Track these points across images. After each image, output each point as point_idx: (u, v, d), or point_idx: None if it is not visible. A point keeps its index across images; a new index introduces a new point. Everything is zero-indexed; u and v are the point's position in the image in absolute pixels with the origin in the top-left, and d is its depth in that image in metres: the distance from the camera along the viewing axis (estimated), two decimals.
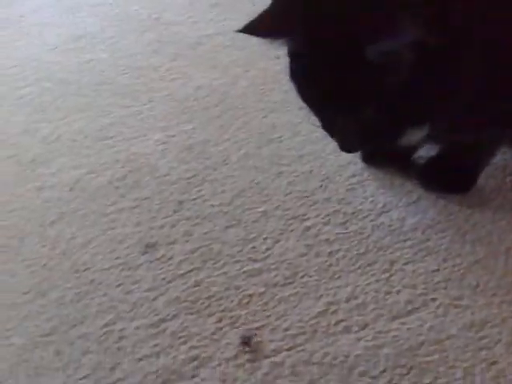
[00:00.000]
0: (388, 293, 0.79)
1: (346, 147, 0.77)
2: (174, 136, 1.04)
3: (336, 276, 0.82)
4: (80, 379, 0.72)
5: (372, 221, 0.88)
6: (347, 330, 0.75)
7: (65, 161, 1.02)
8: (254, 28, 0.71)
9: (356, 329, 0.75)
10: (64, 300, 0.80)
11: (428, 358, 0.72)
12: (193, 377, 0.71)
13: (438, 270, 0.81)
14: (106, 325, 0.77)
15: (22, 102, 1.13)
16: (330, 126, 0.77)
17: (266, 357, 0.73)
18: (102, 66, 1.22)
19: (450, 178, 0.91)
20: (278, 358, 0.72)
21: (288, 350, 0.73)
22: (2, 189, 0.97)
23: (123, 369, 0.72)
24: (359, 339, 0.74)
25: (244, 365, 0.72)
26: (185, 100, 1.12)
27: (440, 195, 0.90)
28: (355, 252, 0.84)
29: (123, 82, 1.18)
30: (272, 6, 0.72)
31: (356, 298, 0.79)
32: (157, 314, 0.78)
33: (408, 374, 0.70)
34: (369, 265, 0.83)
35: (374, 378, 0.70)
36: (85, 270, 0.84)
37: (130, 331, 0.76)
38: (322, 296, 0.79)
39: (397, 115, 0.71)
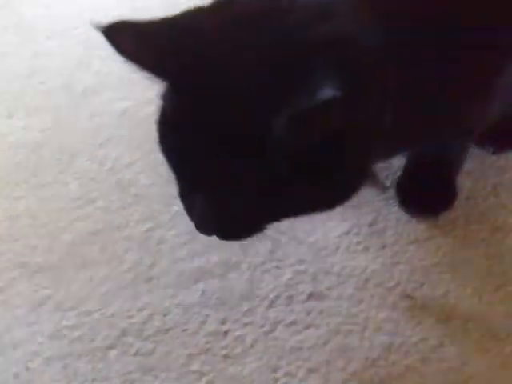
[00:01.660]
0: (408, 221, 0.84)
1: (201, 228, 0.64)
2: None
3: (361, 205, 0.87)
4: (122, 272, 0.80)
5: (399, 159, 0.93)
6: (366, 249, 0.81)
7: (114, 94, 1.08)
8: (117, 37, 0.59)
9: (375, 249, 0.81)
10: (110, 208, 0.88)
11: (441, 276, 0.77)
12: (222, 276, 0.78)
13: (459, 205, 0.85)
14: (147, 230, 0.85)
15: (78, 40, 1.19)
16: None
17: (291, 265, 0.79)
18: (153, 13, 1.27)
19: (428, 198, 0.84)
20: (301, 267, 0.79)
21: (311, 260, 0.79)
22: (56, 113, 1.04)
23: (161, 266, 0.80)
24: (377, 257, 0.80)
25: (270, 270, 0.78)
26: None
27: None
28: (379, 187, 0.89)
29: None
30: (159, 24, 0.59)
31: (377, 223, 0.84)
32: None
33: (420, 287, 0.76)
34: (391, 198, 0.87)
35: (388, 288, 0.76)
36: (129, 186, 0.91)
37: (168, 237, 0.83)
38: (346, 220, 0.85)
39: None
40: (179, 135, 0.58)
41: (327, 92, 0.49)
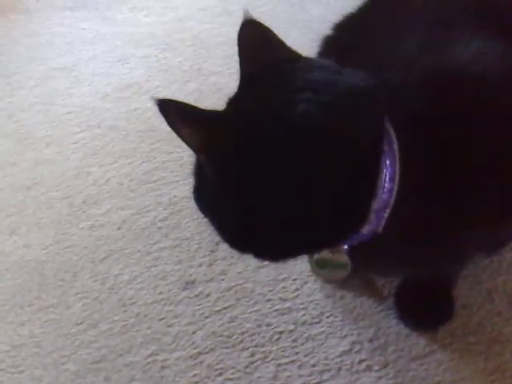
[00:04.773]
0: (408, 335, 0.86)
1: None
2: None
3: (360, 317, 0.88)
4: None
5: None
6: (369, 368, 0.82)
7: (113, 202, 1.11)
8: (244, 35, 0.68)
9: (377, 368, 0.82)
10: (113, 331, 0.89)
11: None
12: None
13: (456, 314, 0.87)
14: (150, 355, 0.85)
15: (76, 146, 1.23)
16: None
17: None
18: (147, 114, 1.30)
19: (427, 312, 0.86)
20: None
21: None
22: (57, 228, 1.06)
23: None
24: (380, 377, 0.81)
25: None
26: None
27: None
28: (377, 297, 0.91)
29: (166, 129, 1.25)
30: None
31: (378, 338, 0.86)
32: (195, 347, 0.86)
33: None
34: (390, 308, 0.89)
35: None
36: (131, 304, 0.93)
37: (171, 362, 0.84)
38: (346, 336, 0.86)
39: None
40: None
41: None
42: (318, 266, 0.78)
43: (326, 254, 0.74)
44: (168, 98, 0.62)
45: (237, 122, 0.63)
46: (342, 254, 0.72)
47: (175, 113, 0.62)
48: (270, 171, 0.61)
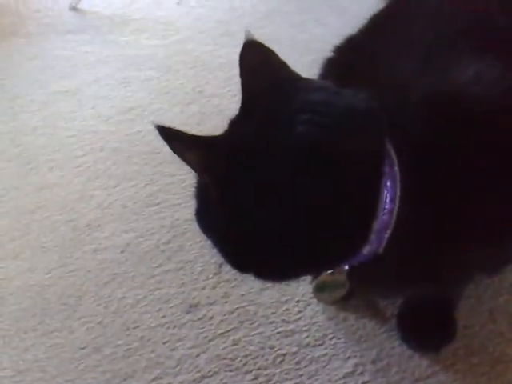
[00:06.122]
0: (411, 356, 0.86)
1: None
2: None
3: (363, 339, 0.89)
4: None
5: None
6: None
7: (116, 225, 1.11)
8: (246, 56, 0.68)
9: None
10: (116, 355, 0.89)
11: None
12: None
13: (458, 334, 0.87)
14: (154, 379, 0.86)
15: (79, 170, 1.24)
16: None
17: None
18: (149, 137, 1.31)
19: (429, 333, 0.86)
20: None
21: None
22: (61, 251, 1.07)
23: None
24: None
25: None
26: None
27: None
28: (380, 318, 0.91)
29: (169, 151, 1.27)
30: None
31: (381, 360, 0.86)
32: (199, 371, 0.86)
33: None
34: (392, 330, 0.89)
35: None
36: (135, 328, 0.93)
37: None
38: (349, 358, 0.86)
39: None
40: None
41: None
42: (318, 291, 0.78)
43: (325, 275, 0.75)
44: (167, 125, 0.62)
45: (234, 144, 0.63)
46: (341, 273, 0.73)
47: (176, 138, 0.63)
48: (267, 192, 0.62)
